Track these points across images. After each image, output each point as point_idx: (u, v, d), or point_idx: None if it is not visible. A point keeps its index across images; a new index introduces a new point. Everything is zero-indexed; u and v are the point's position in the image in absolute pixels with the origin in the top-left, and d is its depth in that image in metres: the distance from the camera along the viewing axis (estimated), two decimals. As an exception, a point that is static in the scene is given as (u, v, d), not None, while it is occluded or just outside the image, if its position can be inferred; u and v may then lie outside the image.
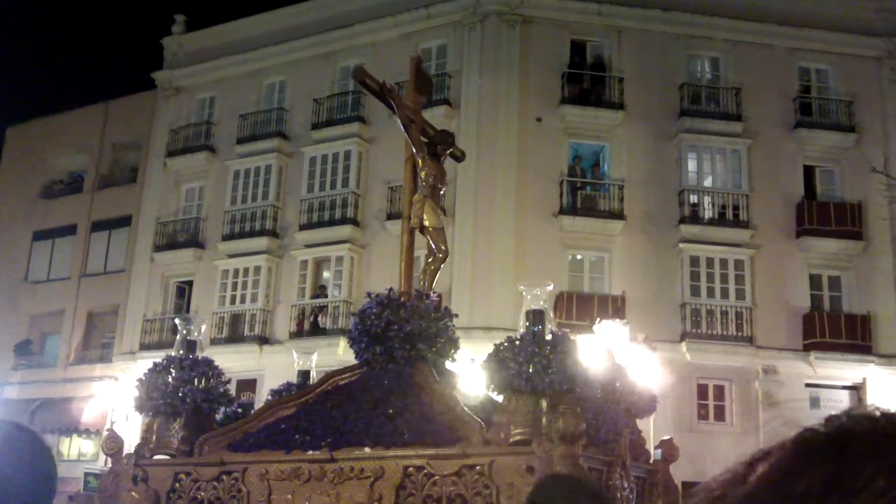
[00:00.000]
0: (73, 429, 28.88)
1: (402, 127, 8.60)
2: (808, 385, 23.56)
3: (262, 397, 19.39)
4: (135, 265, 29.52)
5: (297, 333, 25.35)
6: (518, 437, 6.42)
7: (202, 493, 7.17)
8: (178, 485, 7.29)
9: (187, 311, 27.74)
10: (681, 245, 24.27)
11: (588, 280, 24.47)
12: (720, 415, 23.68)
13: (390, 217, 24.73)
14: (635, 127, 25.27)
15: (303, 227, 26.52)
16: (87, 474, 23.45)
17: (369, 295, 8.05)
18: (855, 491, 0.72)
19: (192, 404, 7.40)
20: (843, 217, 24.77)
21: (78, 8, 60.82)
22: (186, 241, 28.66)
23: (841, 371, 23.66)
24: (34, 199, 32.97)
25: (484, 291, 23.20)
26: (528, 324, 6.91)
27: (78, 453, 28.78)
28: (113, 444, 7.49)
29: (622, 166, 25.15)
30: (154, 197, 29.87)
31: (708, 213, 25.01)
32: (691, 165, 25.24)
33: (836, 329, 23.80)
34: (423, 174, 8.47)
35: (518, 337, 6.76)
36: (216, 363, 8.05)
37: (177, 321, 8.44)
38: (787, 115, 25.78)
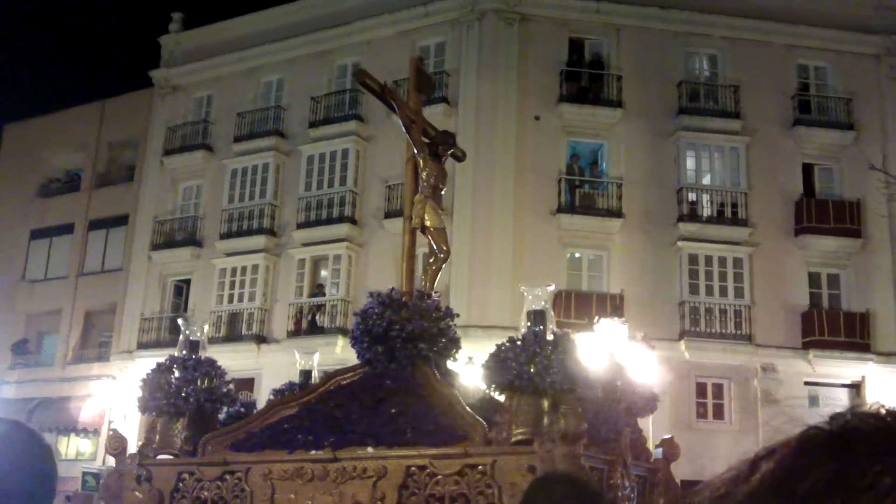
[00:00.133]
0: (70, 428, 28.86)
1: (403, 128, 8.58)
2: (807, 383, 23.62)
3: (260, 396, 19.41)
4: (132, 264, 29.47)
5: (295, 332, 25.32)
6: (520, 437, 6.42)
7: (205, 493, 7.18)
8: (181, 484, 7.30)
9: (185, 309, 27.74)
10: (679, 243, 24.27)
11: (586, 278, 24.47)
12: (719, 413, 23.70)
13: (388, 215, 24.73)
14: (633, 125, 25.26)
15: (300, 226, 26.49)
16: (84, 473, 23.47)
17: (371, 295, 8.05)
18: (861, 489, 0.72)
19: (195, 404, 7.43)
20: (841, 215, 24.78)
21: (75, 6, 60.77)
22: (184, 240, 28.63)
23: (840, 369, 23.68)
24: (31, 197, 32.93)
25: (482, 290, 23.19)
26: (529, 324, 6.90)
27: (76, 452, 28.77)
28: (117, 444, 7.53)
29: (620, 164, 25.15)
30: (151, 195, 29.83)
31: (706, 211, 25.01)
32: (690, 163, 25.24)
33: (835, 327, 23.83)
34: (424, 175, 8.46)
35: (519, 337, 6.75)
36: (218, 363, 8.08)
37: (179, 322, 8.48)
38: (786, 112, 25.78)
